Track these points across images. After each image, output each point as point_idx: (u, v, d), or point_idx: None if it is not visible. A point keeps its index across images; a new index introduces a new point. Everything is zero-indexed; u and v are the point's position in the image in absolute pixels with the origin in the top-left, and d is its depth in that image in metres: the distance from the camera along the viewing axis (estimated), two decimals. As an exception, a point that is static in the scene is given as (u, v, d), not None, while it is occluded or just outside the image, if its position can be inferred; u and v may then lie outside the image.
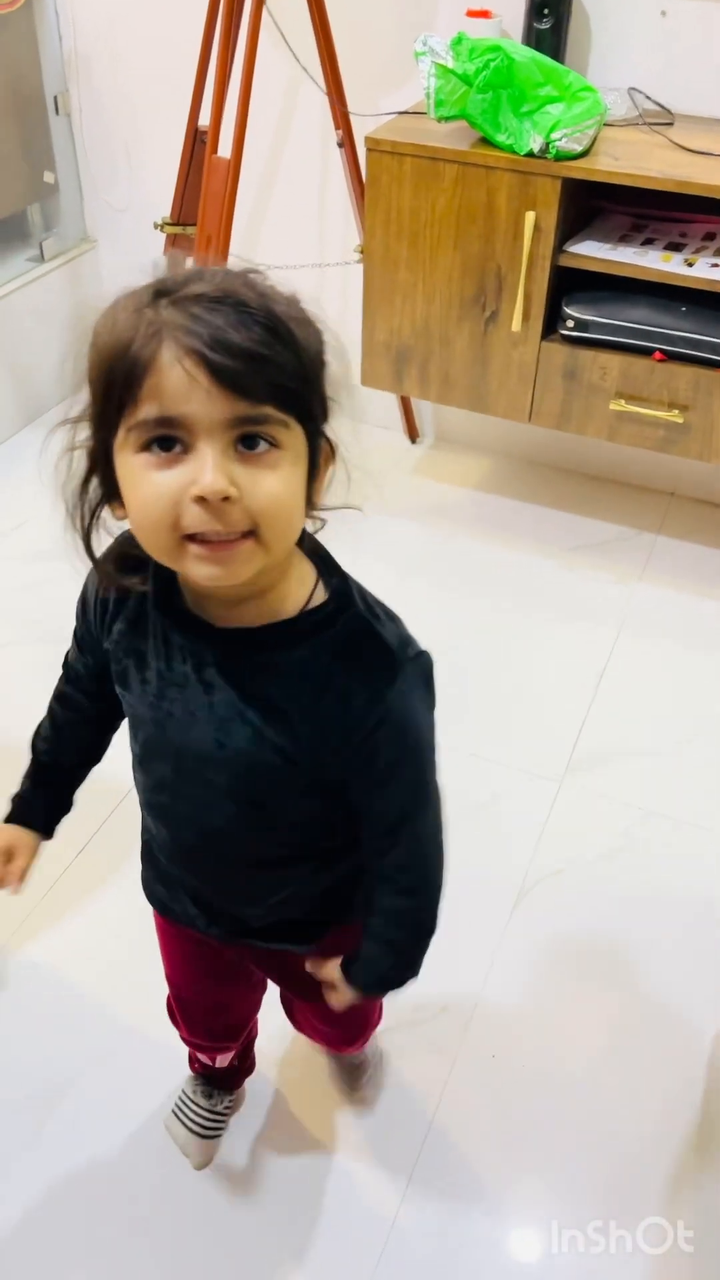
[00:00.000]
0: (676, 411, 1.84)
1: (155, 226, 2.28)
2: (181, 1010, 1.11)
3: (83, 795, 1.56)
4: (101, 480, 0.70)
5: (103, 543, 0.76)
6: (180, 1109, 1.22)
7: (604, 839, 1.58)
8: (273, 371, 0.62)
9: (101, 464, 0.69)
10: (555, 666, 1.87)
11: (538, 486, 2.32)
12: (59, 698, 0.93)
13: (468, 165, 1.76)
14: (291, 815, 0.80)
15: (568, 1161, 1.22)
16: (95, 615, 0.83)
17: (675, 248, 1.82)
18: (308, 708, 0.73)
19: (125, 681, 0.81)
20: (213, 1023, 1.11)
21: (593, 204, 1.92)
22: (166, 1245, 1.14)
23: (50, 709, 0.94)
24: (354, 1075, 1.27)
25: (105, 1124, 1.23)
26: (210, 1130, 1.21)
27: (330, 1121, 1.25)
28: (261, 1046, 1.20)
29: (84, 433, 0.69)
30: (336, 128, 2.02)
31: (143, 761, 0.85)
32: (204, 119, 2.06)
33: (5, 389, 2.45)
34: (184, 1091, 1.22)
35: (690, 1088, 1.29)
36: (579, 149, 1.70)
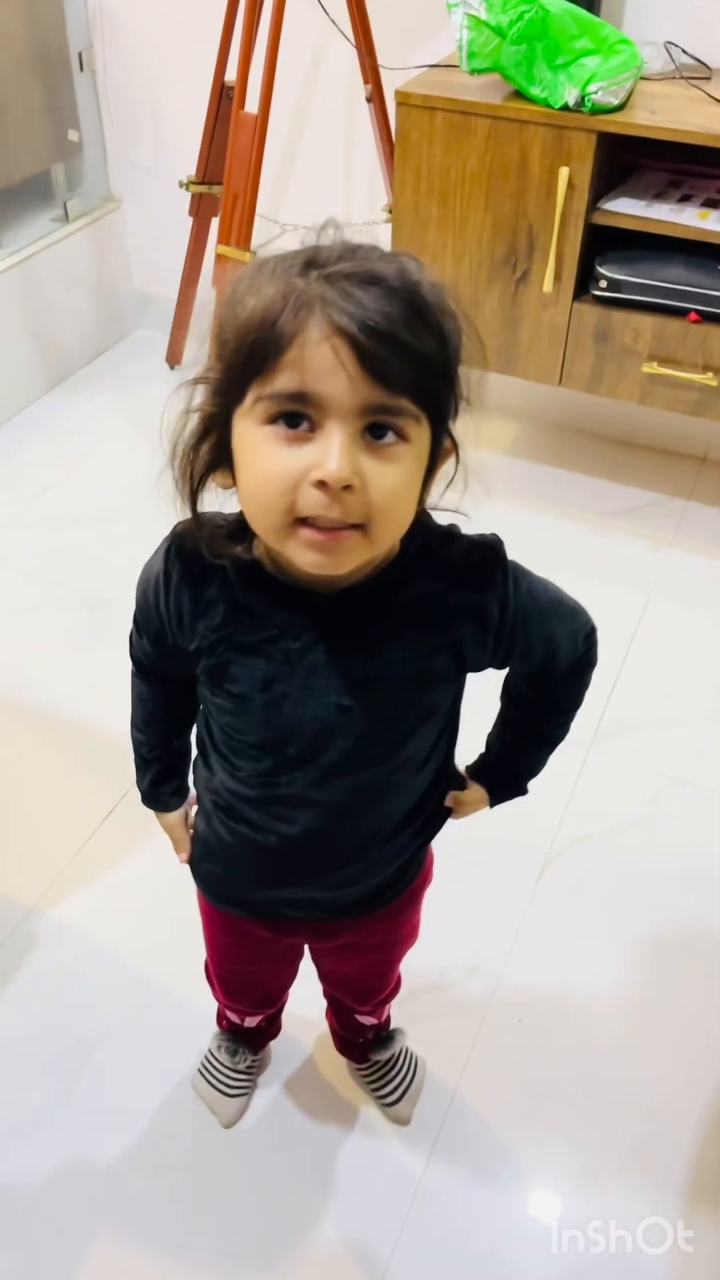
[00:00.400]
0: (711, 374, 1.81)
1: (180, 185, 2.26)
2: (221, 981, 1.11)
3: (110, 758, 1.57)
4: (214, 446, 0.68)
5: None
6: (206, 1068, 1.23)
7: (631, 807, 1.58)
8: (417, 363, 0.61)
9: (217, 430, 0.66)
10: (584, 633, 1.85)
11: (568, 451, 2.29)
12: (139, 692, 0.91)
13: (500, 120, 1.72)
14: (417, 742, 0.80)
15: (592, 1128, 1.22)
16: (170, 617, 0.77)
17: (713, 204, 1.78)
18: (436, 636, 0.74)
19: (224, 676, 0.76)
20: (252, 994, 1.12)
21: (628, 160, 1.87)
22: (196, 1200, 1.16)
23: (134, 703, 0.92)
24: (384, 1075, 1.22)
25: (136, 1081, 1.25)
26: (235, 1089, 1.22)
27: (357, 1084, 1.26)
28: (291, 1009, 1.20)
29: (201, 396, 0.67)
30: (365, 82, 1.98)
31: (243, 753, 0.80)
32: (230, 74, 2.03)
33: (29, 353, 2.44)
34: (210, 1050, 1.23)
35: (718, 1057, 1.28)
36: (615, 102, 1.66)
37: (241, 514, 0.69)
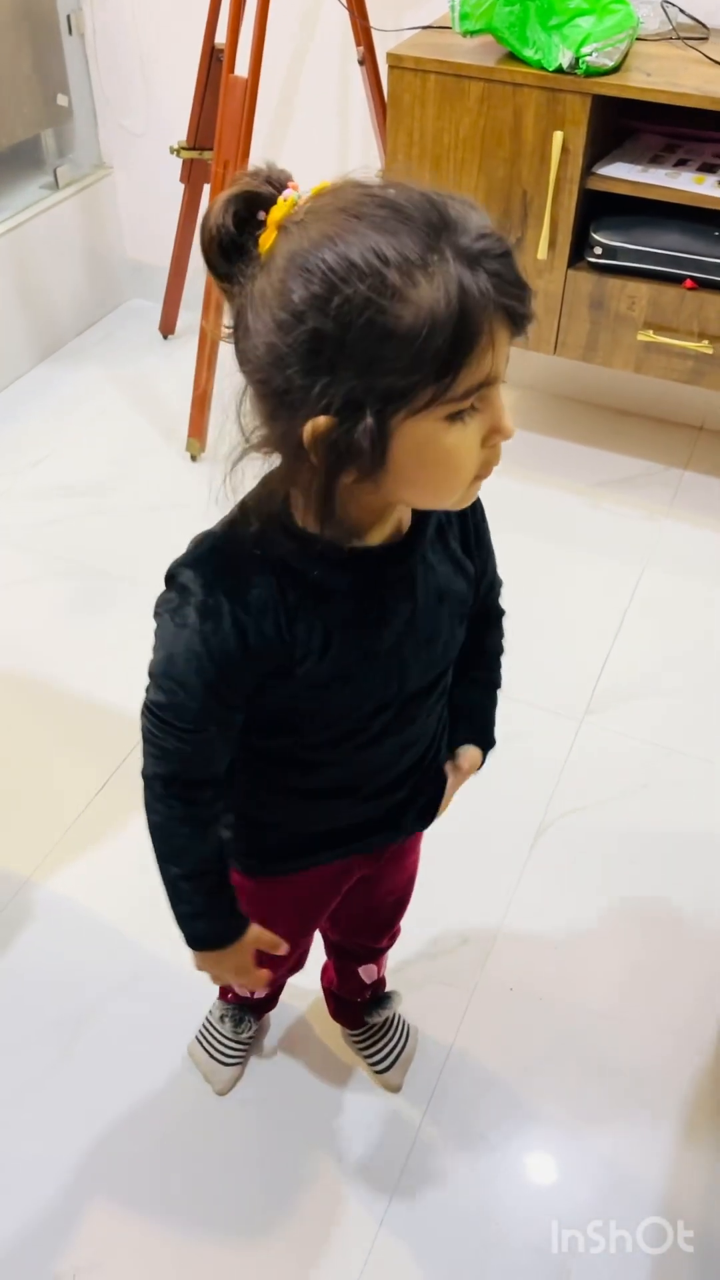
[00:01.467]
0: (706, 342, 1.79)
1: (172, 151, 2.23)
2: (274, 962, 1.00)
3: (103, 733, 1.58)
4: (367, 453, 0.62)
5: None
6: (205, 1037, 1.24)
7: (624, 777, 1.58)
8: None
9: (370, 439, 0.61)
10: (580, 603, 1.85)
11: (563, 421, 2.28)
12: (186, 812, 0.80)
13: (494, 83, 1.70)
14: (459, 639, 0.84)
15: (584, 1094, 1.24)
16: (274, 633, 0.71)
17: (710, 169, 1.76)
18: (458, 547, 0.80)
19: (331, 677, 0.74)
20: (296, 965, 1.11)
21: (623, 123, 1.85)
22: (192, 1163, 1.17)
23: (180, 832, 0.82)
24: (378, 1040, 1.23)
25: (131, 1048, 1.26)
26: (233, 1058, 1.23)
27: (350, 1050, 1.27)
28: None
29: (321, 413, 0.61)
30: (357, 44, 1.95)
31: (343, 722, 0.79)
32: (220, 37, 2.00)
33: (20, 322, 2.41)
34: (209, 1021, 1.24)
35: (709, 1025, 1.30)
36: (610, 64, 1.63)
37: (250, 506, 0.71)
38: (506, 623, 0.95)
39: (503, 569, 0.91)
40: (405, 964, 1.32)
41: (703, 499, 2.09)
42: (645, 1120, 1.21)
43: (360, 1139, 1.20)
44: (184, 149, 2.20)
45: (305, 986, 1.26)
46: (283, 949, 0.90)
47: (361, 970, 1.18)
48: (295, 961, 1.12)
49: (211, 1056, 1.23)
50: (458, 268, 0.58)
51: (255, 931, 0.88)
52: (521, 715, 1.62)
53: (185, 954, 1.17)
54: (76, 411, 2.31)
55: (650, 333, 1.82)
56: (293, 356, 0.60)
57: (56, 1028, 1.28)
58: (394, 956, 1.22)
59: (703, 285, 1.77)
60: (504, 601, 0.94)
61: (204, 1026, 1.25)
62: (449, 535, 0.80)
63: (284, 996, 1.26)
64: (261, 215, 0.62)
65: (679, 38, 1.78)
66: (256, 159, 2.05)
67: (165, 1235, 1.12)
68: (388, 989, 1.24)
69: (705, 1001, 1.32)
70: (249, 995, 1.18)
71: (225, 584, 0.71)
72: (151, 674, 0.75)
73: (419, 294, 0.57)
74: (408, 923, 1.15)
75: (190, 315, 2.49)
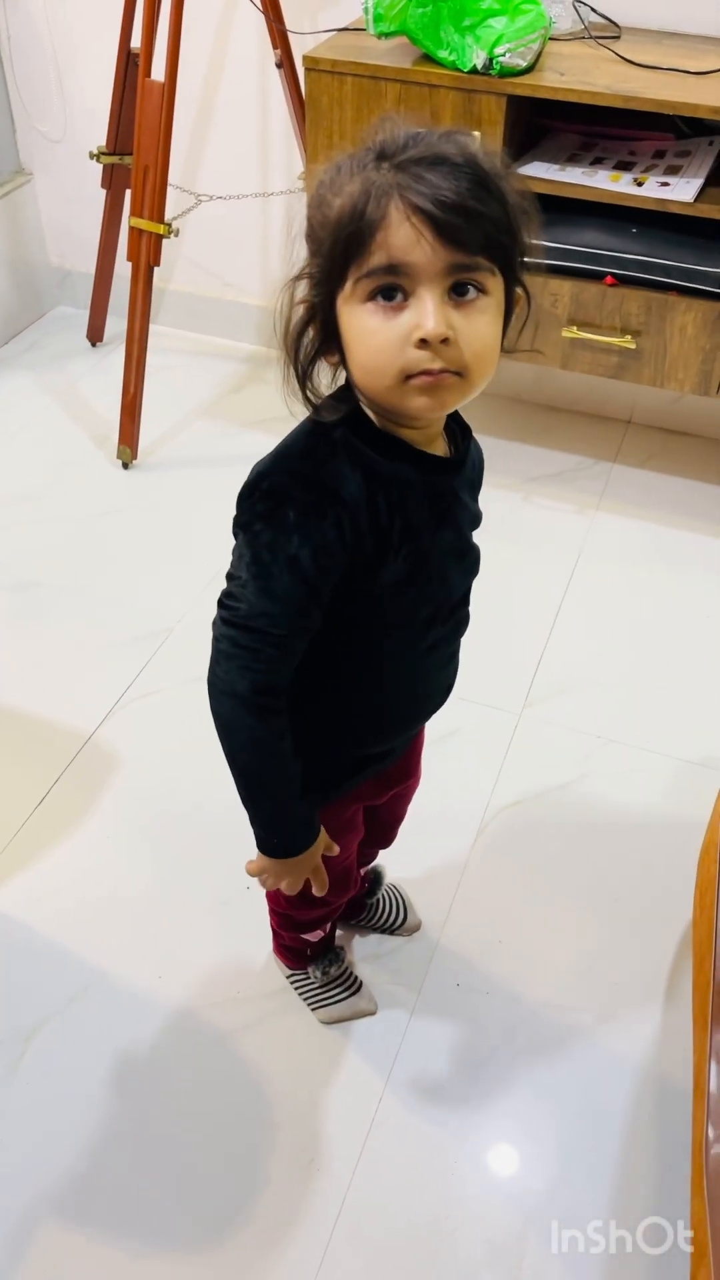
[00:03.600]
0: (629, 337, 1.82)
1: (91, 157, 2.20)
2: (342, 887, 1.13)
3: (41, 747, 1.56)
4: (319, 330, 0.77)
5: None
6: (330, 994, 1.28)
7: (563, 768, 1.60)
8: (485, 225, 0.70)
9: (322, 315, 0.76)
10: (515, 598, 1.87)
11: (494, 418, 2.30)
12: (266, 730, 0.85)
13: (410, 84, 1.71)
14: None
15: (531, 1086, 1.25)
16: (376, 525, 0.79)
17: (625, 166, 1.78)
18: (472, 500, 0.93)
19: (414, 560, 0.83)
20: (353, 873, 1.19)
21: (540, 123, 1.87)
22: (144, 1177, 1.16)
23: (264, 745, 0.86)
24: (384, 906, 1.37)
25: (78, 1065, 1.25)
26: (352, 985, 1.29)
27: (307, 1043, 1.27)
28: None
29: (302, 290, 0.76)
30: (275, 47, 1.95)
31: (413, 624, 0.89)
32: (136, 41, 1.98)
33: (-55, 332, 2.37)
34: (317, 985, 1.28)
35: (656, 1005, 1.32)
36: (523, 64, 1.65)
37: (338, 396, 0.80)
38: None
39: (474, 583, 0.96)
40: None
41: (632, 491, 2.12)
42: (598, 1108, 1.23)
43: (325, 1118, 1.20)
44: (104, 154, 2.18)
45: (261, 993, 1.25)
46: (335, 850, 0.99)
47: (363, 871, 1.30)
48: (352, 881, 1.20)
49: (340, 1001, 1.28)
50: (376, 172, 0.70)
51: (323, 837, 0.97)
52: (460, 711, 1.63)
53: (134, 963, 1.16)
54: (5, 421, 2.28)
55: (575, 329, 1.84)
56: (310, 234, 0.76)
57: (3, 1042, 1.26)
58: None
59: (623, 281, 1.79)
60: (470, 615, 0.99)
61: (321, 990, 1.29)
62: (473, 486, 0.93)
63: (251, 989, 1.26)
64: None
65: (591, 37, 1.80)
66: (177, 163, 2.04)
67: (121, 1247, 1.11)
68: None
69: (655, 987, 1.34)
70: (325, 932, 1.25)
71: (321, 481, 0.78)
72: (238, 585, 0.81)
73: (345, 191, 0.71)
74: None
75: (118, 321, 2.47)
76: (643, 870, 1.46)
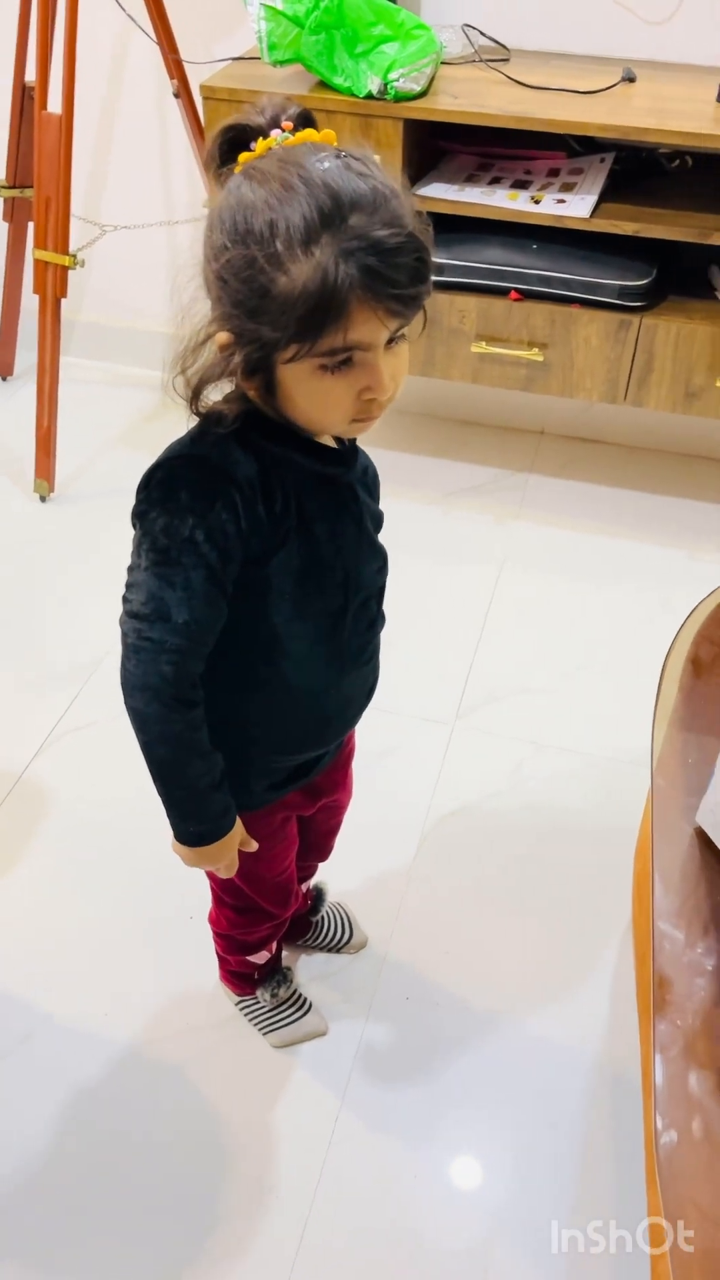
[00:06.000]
0: (536, 350, 1.86)
1: (-9, 191, 2.18)
2: (280, 895, 1.15)
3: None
4: (243, 366, 0.77)
5: None
6: (279, 1018, 1.28)
7: (499, 775, 1.62)
8: (425, 295, 0.75)
9: (248, 357, 0.76)
10: (441, 611, 1.89)
11: (412, 435, 2.32)
12: (182, 720, 0.85)
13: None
14: None
15: (490, 1091, 1.25)
16: (261, 514, 0.81)
17: (521, 185, 1.83)
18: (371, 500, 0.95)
19: (309, 547, 0.85)
20: (293, 884, 1.18)
21: (437, 145, 1.91)
22: (98, 1218, 1.14)
23: (180, 737, 0.86)
24: (328, 925, 1.36)
25: (30, 1102, 1.22)
26: (301, 1007, 1.29)
27: (259, 1069, 1.26)
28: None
29: (209, 322, 0.77)
30: (171, 77, 1.96)
31: (323, 619, 0.89)
32: (31, 74, 1.98)
33: None
34: (264, 1009, 1.28)
35: (603, 1002, 1.34)
36: (417, 89, 1.69)
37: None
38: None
39: (385, 582, 0.97)
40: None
41: (549, 499, 2.17)
42: (552, 1111, 1.24)
43: (271, 1169, 1.19)
44: (4, 188, 2.17)
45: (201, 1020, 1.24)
46: (253, 846, 0.99)
47: (305, 888, 1.32)
48: (293, 894, 1.19)
49: (291, 1023, 1.28)
50: (330, 256, 0.70)
51: (239, 826, 0.96)
52: (394, 724, 1.64)
53: (81, 1004, 1.14)
54: None
55: (483, 344, 1.88)
56: (214, 278, 0.75)
57: (-55, 1101, 1.23)
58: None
59: (527, 296, 1.84)
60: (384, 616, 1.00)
61: (270, 1014, 1.28)
62: (369, 489, 0.94)
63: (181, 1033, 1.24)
64: (254, 145, 0.74)
65: (481, 60, 1.85)
66: (78, 195, 2.04)
67: (78, 1299, 1.09)
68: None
69: (601, 986, 1.35)
70: (272, 954, 1.25)
71: (215, 465, 0.79)
72: (137, 574, 0.81)
73: (294, 269, 0.70)
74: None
75: (28, 354, 2.44)
76: (582, 870, 1.49)
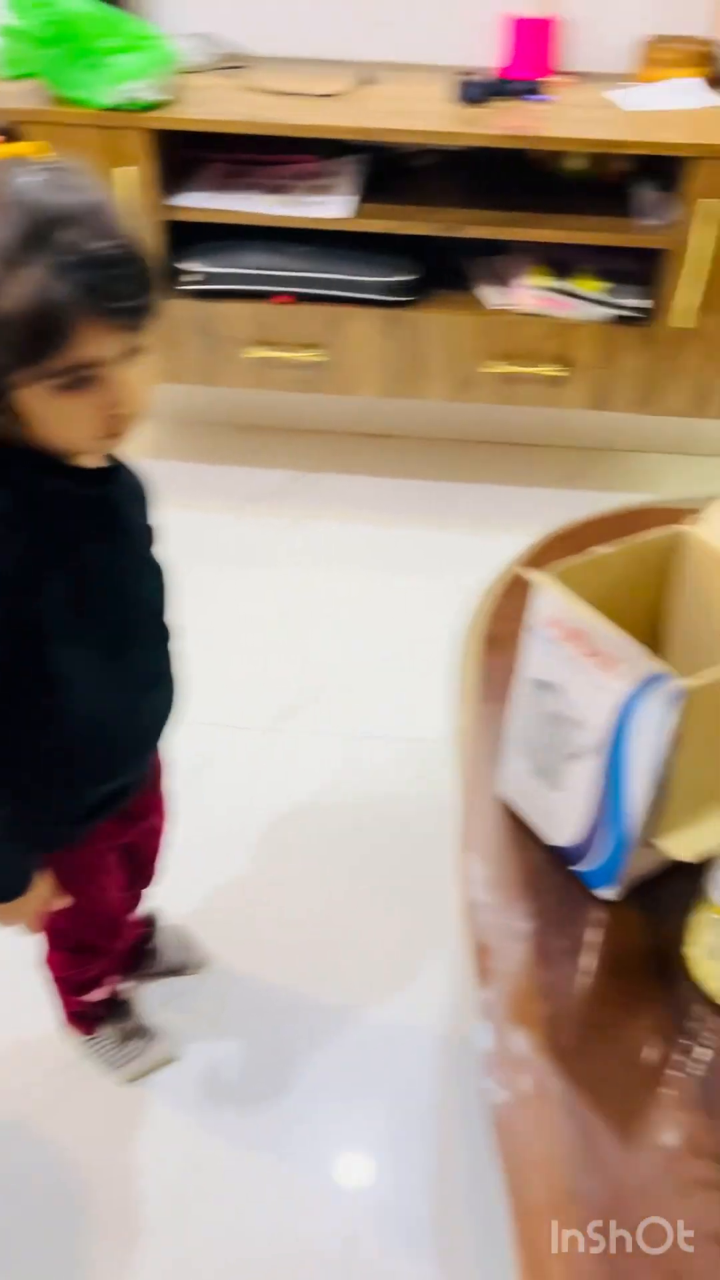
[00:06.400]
0: (311, 351, 1.88)
1: None
2: (113, 931, 1.14)
3: None
4: None
5: None
6: (125, 1051, 1.25)
7: (320, 773, 1.63)
8: (153, 305, 0.74)
9: None
10: (244, 617, 1.89)
11: (204, 445, 2.31)
12: None
13: (51, 125, 1.69)
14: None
15: (349, 1084, 1.26)
16: (24, 543, 0.79)
17: (277, 190, 1.85)
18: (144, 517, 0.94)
19: (81, 580, 0.83)
20: (127, 910, 1.19)
21: (191, 155, 1.90)
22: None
23: None
24: (164, 953, 1.34)
25: None
26: (150, 1030, 1.27)
27: (112, 1108, 1.22)
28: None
29: None
30: None
31: (105, 645, 0.87)
32: None
33: None
34: (112, 1046, 1.24)
35: (446, 979, 1.37)
36: (157, 98, 1.67)
37: None
38: (183, 649, 1.01)
39: (168, 597, 0.95)
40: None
41: (342, 496, 2.20)
42: (413, 1095, 1.26)
43: (136, 1207, 1.16)
44: None
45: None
46: (66, 902, 0.98)
47: (136, 917, 1.27)
48: (122, 926, 1.18)
49: (139, 1055, 1.25)
50: (44, 275, 0.68)
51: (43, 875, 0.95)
52: (208, 736, 1.63)
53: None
54: None
55: (259, 349, 1.89)
56: None
57: None
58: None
59: (299, 299, 1.86)
60: (174, 631, 0.98)
61: (113, 1056, 1.25)
62: (140, 502, 0.93)
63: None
64: None
65: (223, 68, 1.85)
66: None
67: None
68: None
69: (440, 963, 1.39)
70: (106, 997, 1.22)
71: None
72: None
73: (8, 293, 0.68)
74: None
75: None
76: (413, 854, 1.52)
